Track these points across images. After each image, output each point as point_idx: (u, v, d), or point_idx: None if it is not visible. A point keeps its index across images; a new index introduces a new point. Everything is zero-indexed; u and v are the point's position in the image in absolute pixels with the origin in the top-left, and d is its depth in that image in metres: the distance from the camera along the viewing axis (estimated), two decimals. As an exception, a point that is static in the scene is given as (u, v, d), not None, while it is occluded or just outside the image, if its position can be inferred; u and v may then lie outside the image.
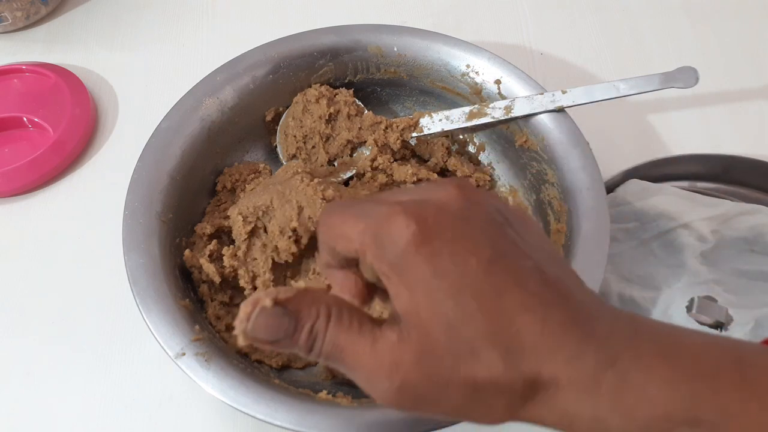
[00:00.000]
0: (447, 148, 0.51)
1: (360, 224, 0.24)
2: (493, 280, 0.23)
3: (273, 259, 0.42)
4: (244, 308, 0.23)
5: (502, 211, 0.25)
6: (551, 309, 0.23)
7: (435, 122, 0.50)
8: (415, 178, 0.48)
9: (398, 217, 0.23)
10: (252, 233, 0.42)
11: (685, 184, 0.53)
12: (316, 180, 0.43)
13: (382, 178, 0.49)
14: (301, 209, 0.41)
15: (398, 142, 0.50)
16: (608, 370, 0.22)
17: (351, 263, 0.26)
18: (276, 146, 0.52)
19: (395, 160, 0.51)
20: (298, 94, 0.51)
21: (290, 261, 0.42)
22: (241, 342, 0.24)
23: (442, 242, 0.23)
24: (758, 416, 0.22)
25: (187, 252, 0.43)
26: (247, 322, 0.23)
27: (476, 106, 0.49)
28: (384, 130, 0.50)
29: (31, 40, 0.64)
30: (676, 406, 0.22)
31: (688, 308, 0.45)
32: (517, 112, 0.47)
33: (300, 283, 0.42)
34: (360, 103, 0.52)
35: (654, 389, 0.22)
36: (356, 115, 0.51)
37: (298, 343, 0.24)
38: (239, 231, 0.42)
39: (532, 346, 0.22)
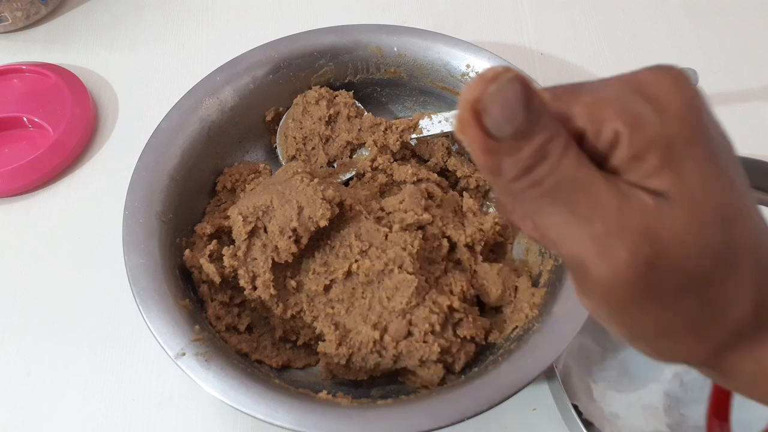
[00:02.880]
0: (447, 148, 0.52)
1: (615, 89, 0.19)
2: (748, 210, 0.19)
3: (273, 259, 0.42)
4: (492, 70, 0.17)
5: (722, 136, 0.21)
6: None
7: (434, 124, 0.50)
8: (415, 178, 0.48)
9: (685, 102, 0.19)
10: (252, 233, 0.42)
11: (685, 184, 0.53)
12: (316, 180, 0.43)
13: (382, 178, 0.49)
14: (301, 209, 0.41)
15: (398, 143, 0.50)
16: None
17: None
18: (276, 147, 0.52)
19: (395, 160, 0.51)
20: (298, 96, 0.51)
21: (290, 261, 0.42)
22: (464, 111, 0.17)
23: (715, 128, 0.19)
24: None
25: (187, 252, 0.43)
26: (493, 82, 0.17)
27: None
28: (383, 131, 0.50)
29: (31, 40, 0.64)
30: None
31: None
32: (517, 112, 0.47)
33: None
34: (360, 104, 0.52)
35: None
36: (356, 116, 0.51)
37: (519, 154, 0.17)
38: (239, 231, 0.42)
39: None
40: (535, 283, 0.45)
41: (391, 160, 0.50)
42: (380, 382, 0.43)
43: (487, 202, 0.51)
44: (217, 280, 0.42)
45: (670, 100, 0.18)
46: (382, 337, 0.40)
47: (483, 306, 0.45)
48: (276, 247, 0.41)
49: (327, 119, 0.50)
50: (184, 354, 0.37)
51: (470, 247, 0.45)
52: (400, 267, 0.41)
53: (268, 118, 0.52)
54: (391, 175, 0.49)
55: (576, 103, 0.19)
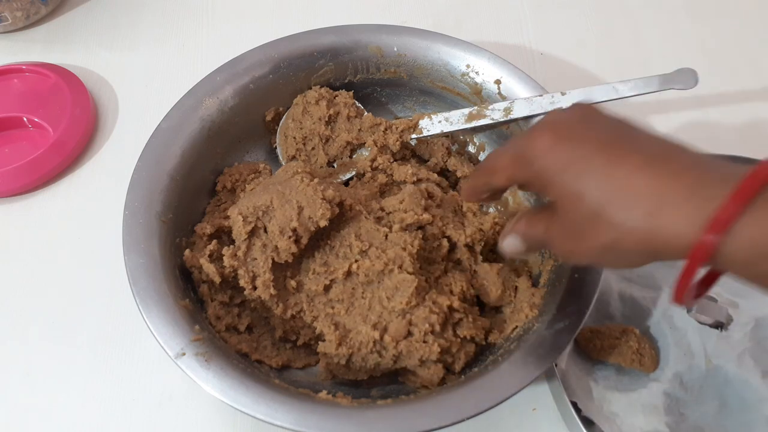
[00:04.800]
0: (447, 148, 0.52)
1: (507, 156, 0.33)
2: (607, 156, 0.29)
3: (273, 259, 0.42)
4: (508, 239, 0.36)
5: (613, 116, 0.32)
6: (668, 161, 0.28)
7: (434, 124, 0.50)
8: (415, 178, 0.48)
9: (536, 136, 0.31)
10: (252, 233, 0.42)
11: (684, 184, 0.53)
12: (316, 180, 0.43)
13: (382, 178, 0.49)
14: (301, 209, 0.41)
15: (398, 143, 0.50)
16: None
17: (497, 196, 0.37)
18: (276, 147, 0.52)
19: (395, 160, 0.51)
20: (298, 96, 0.51)
21: (290, 261, 0.42)
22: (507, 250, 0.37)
23: (569, 143, 0.30)
24: None
25: (187, 252, 0.43)
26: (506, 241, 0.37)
27: (476, 107, 0.49)
28: (383, 131, 0.50)
29: (31, 40, 0.64)
30: None
31: (688, 308, 0.45)
32: (516, 113, 0.47)
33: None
34: (360, 104, 0.52)
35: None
36: (356, 116, 0.51)
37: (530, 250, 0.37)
38: (239, 231, 0.42)
39: (648, 195, 0.27)
40: (535, 283, 0.45)
41: (391, 160, 0.50)
42: (380, 382, 0.43)
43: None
44: (217, 280, 0.42)
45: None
46: (382, 337, 0.40)
47: (483, 306, 0.45)
48: (276, 247, 0.41)
49: (327, 119, 0.50)
50: (184, 354, 0.37)
51: (470, 247, 0.45)
52: (400, 267, 0.41)
53: (268, 118, 0.52)
54: (391, 175, 0.49)
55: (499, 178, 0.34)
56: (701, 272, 0.29)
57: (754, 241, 0.25)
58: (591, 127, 0.31)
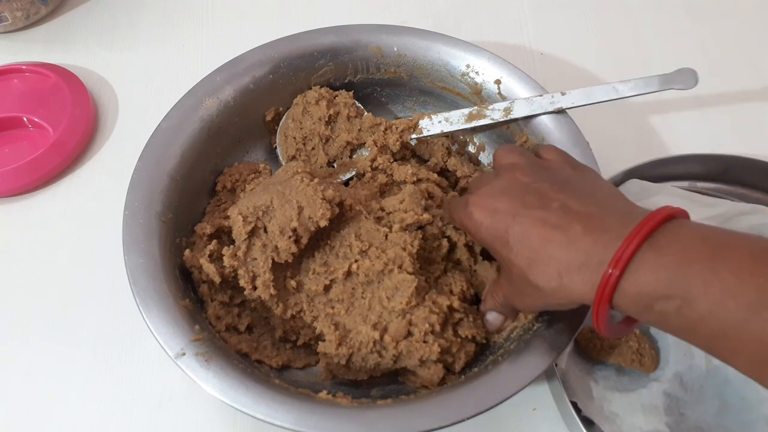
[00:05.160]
0: (447, 148, 0.52)
1: (455, 218, 0.40)
2: (522, 227, 0.34)
3: (273, 259, 0.42)
4: (487, 317, 0.42)
5: (544, 168, 0.38)
6: (569, 228, 0.32)
7: (434, 124, 0.50)
8: (415, 179, 0.48)
9: (471, 209, 0.37)
10: (252, 233, 0.42)
11: (685, 184, 0.53)
12: (316, 180, 0.43)
13: (382, 178, 0.49)
14: (301, 209, 0.41)
15: (398, 143, 0.50)
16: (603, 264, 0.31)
17: None
18: (276, 147, 0.52)
19: (395, 160, 0.51)
20: (298, 96, 0.51)
21: (290, 261, 0.42)
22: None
23: (494, 213, 0.36)
24: (720, 293, 0.27)
25: (187, 252, 0.43)
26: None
27: (476, 107, 0.49)
28: (383, 131, 0.50)
29: (31, 40, 0.64)
30: (657, 286, 0.29)
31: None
32: (516, 113, 0.47)
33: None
34: (360, 104, 0.52)
35: (644, 273, 0.29)
36: (356, 116, 0.51)
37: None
38: (239, 231, 0.42)
39: (556, 262, 0.32)
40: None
41: (391, 160, 0.50)
42: (380, 382, 0.43)
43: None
44: (217, 280, 0.42)
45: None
46: (382, 337, 0.40)
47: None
48: (276, 247, 0.41)
49: (327, 119, 0.50)
50: (184, 354, 0.37)
51: (470, 247, 0.45)
52: (399, 267, 0.41)
53: (268, 118, 0.52)
54: (391, 175, 0.49)
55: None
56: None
57: (635, 296, 0.30)
58: (512, 190, 0.36)
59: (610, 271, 0.30)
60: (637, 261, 0.30)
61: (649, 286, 0.29)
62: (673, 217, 0.31)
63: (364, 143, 0.50)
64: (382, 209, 0.45)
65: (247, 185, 0.49)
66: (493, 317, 0.42)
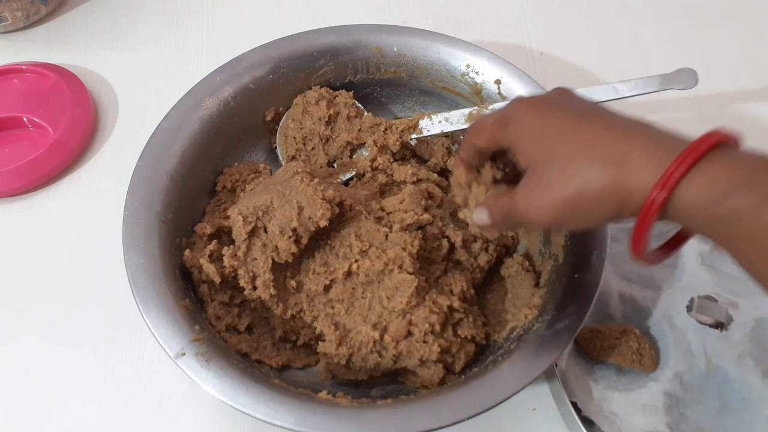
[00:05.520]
0: (447, 148, 0.52)
1: (491, 119, 0.36)
2: (579, 121, 0.32)
3: (273, 259, 0.42)
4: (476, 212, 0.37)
5: (585, 98, 0.35)
6: (626, 130, 0.31)
7: (434, 124, 0.50)
8: (415, 178, 0.48)
9: (516, 103, 0.34)
10: (252, 233, 0.42)
11: (684, 184, 0.53)
12: (316, 180, 0.43)
13: (382, 178, 0.49)
14: (301, 209, 0.41)
15: (397, 143, 0.50)
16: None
17: (483, 158, 0.38)
18: (276, 147, 0.52)
19: (395, 160, 0.51)
20: (298, 96, 0.51)
21: (290, 261, 0.42)
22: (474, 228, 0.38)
23: (545, 110, 0.33)
24: None
25: (187, 252, 0.43)
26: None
27: (476, 107, 0.49)
28: (383, 131, 0.50)
29: (31, 40, 0.64)
30: (736, 177, 0.28)
31: (689, 308, 0.45)
32: (517, 112, 0.47)
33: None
34: (360, 104, 0.52)
35: (721, 165, 0.28)
36: (356, 116, 0.51)
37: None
38: (239, 231, 0.42)
39: (615, 150, 0.30)
40: (535, 283, 0.45)
41: (391, 160, 0.50)
42: (380, 382, 0.43)
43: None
44: (217, 280, 0.42)
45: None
46: (382, 337, 0.40)
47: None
48: (276, 247, 0.41)
49: (327, 119, 0.50)
50: (184, 354, 0.37)
51: (468, 248, 0.45)
52: (400, 267, 0.41)
53: (268, 118, 0.52)
54: (391, 175, 0.49)
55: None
56: (672, 232, 0.33)
57: (694, 198, 0.28)
58: (564, 101, 0.34)
59: (680, 158, 0.28)
60: (712, 156, 0.28)
61: (726, 178, 0.28)
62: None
63: (364, 143, 0.50)
64: (382, 209, 0.45)
65: (247, 185, 0.49)
66: (481, 217, 0.37)
